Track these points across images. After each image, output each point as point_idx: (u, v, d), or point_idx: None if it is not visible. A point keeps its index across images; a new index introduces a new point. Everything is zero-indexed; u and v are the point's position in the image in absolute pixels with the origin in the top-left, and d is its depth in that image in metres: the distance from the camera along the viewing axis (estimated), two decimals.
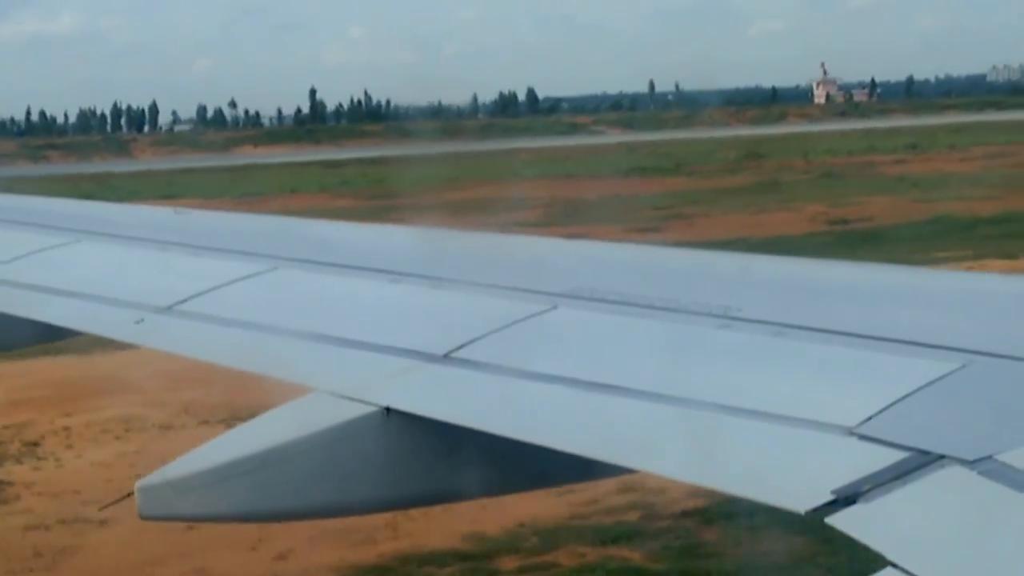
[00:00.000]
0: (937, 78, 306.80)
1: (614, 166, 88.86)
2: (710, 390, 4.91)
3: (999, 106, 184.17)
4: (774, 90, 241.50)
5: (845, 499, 3.88)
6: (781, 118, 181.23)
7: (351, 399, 5.47)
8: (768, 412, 4.61)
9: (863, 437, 4.25)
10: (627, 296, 6.04)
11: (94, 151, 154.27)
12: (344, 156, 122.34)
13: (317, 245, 8.30)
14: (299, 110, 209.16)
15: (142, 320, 7.10)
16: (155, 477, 5.39)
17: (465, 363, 5.65)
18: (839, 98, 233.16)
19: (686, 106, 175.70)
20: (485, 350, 5.72)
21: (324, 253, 7.85)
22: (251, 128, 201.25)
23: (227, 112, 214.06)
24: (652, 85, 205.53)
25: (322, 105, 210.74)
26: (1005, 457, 3.89)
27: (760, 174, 78.01)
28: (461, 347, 5.76)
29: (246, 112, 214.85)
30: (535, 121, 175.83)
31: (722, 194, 64.60)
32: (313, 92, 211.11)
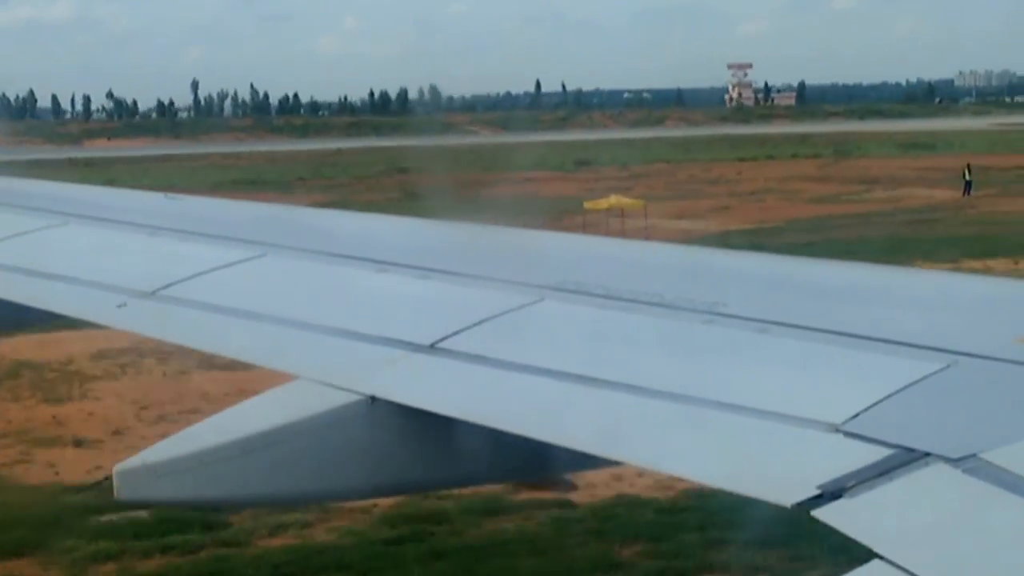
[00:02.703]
0: (908, 82, 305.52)
1: (232, 176, 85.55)
2: (696, 385, 4.90)
3: (883, 114, 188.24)
4: (679, 92, 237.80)
5: (831, 494, 3.91)
6: (659, 122, 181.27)
7: (336, 387, 5.45)
8: (754, 408, 4.62)
9: (849, 434, 4.27)
10: (614, 290, 6.04)
11: None
12: (182, 151, 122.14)
13: (308, 233, 8.26)
14: (170, 102, 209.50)
15: (125, 304, 7.01)
16: (133, 461, 5.35)
17: (451, 353, 5.63)
18: (747, 101, 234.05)
19: (569, 107, 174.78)
20: (471, 341, 5.70)
21: (315, 241, 7.80)
22: (127, 119, 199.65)
23: (105, 103, 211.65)
24: (538, 84, 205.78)
25: (210, 99, 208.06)
26: (989, 455, 3.92)
27: (350, 191, 73.29)
28: (447, 337, 5.74)
29: (133, 103, 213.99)
30: (406, 120, 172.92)
31: None
32: (195, 84, 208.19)
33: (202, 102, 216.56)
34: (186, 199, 10.37)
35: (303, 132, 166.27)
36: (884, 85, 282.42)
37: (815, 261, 7.47)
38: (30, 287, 7.73)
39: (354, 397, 5.38)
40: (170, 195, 10.40)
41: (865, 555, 3.62)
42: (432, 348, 5.71)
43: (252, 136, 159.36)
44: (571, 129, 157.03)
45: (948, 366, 4.67)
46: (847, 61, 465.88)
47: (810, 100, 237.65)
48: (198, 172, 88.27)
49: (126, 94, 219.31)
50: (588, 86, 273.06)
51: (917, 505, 3.89)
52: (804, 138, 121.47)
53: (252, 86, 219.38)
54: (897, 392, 4.52)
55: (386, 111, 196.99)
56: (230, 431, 5.40)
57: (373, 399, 5.37)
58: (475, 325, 5.87)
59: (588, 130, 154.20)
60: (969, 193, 63.82)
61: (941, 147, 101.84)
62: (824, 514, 3.85)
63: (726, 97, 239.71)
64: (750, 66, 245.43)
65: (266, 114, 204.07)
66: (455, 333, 5.79)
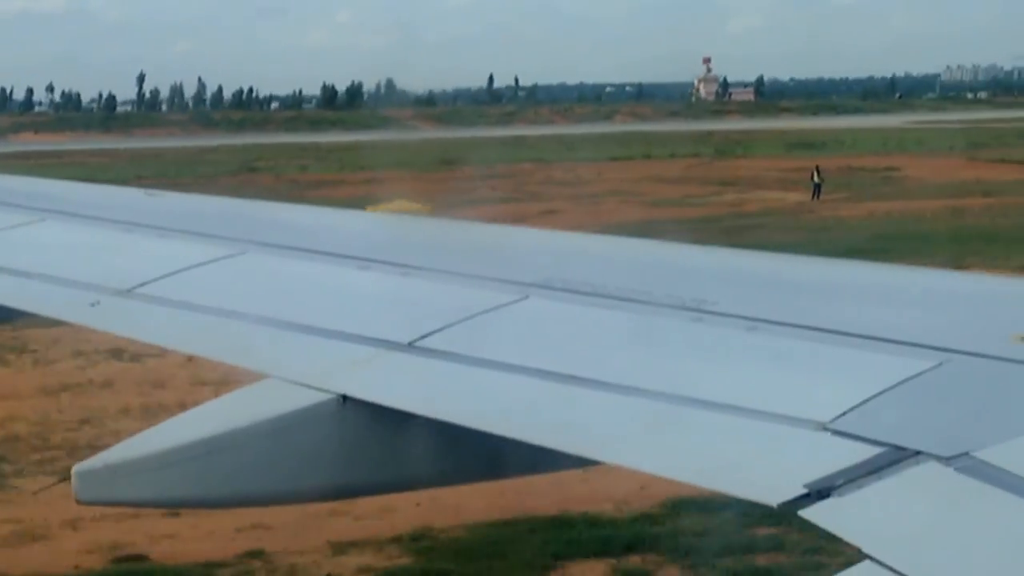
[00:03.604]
0: (895, 76, 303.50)
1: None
2: (682, 383, 4.80)
3: (836, 110, 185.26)
4: (640, 87, 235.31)
5: (818, 493, 3.82)
6: (607, 117, 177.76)
7: (306, 386, 5.35)
8: (741, 406, 4.52)
9: (837, 432, 4.16)
10: (600, 287, 5.94)
11: None
12: (94, 146, 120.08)
13: (288, 230, 8.17)
14: (110, 95, 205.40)
15: (98, 302, 6.90)
16: (94, 461, 5.27)
17: (430, 352, 5.50)
18: (708, 97, 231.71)
19: (519, 103, 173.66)
20: (451, 339, 5.58)
21: (295, 238, 7.72)
22: (71, 112, 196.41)
23: (45, 96, 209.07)
24: (491, 79, 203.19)
25: (156, 93, 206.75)
26: (982, 454, 3.83)
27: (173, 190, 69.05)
28: (426, 336, 5.62)
29: (77, 96, 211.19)
30: (347, 115, 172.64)
31: None
32: (141, 77, 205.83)
33: (146, 95, 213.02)
34: (166, 195, 10.21)
35: (239, 127, 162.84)
36: (845, 81, 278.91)
37: (806, 258, 7.19)
38: (1, 284, 7.62)
39: (325, 396, 5.24)
40: (150, 191, 10.29)
41: (855, 555, 3.52)
42: (411, 347, 5.55)
43: (184, 131, 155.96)
44: (517, 124, 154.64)
45: (941, 364, 4.53)
46: (835, 56, 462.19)
47: (771, 96, 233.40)
48: (71, 168, 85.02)
49: (116, 88, 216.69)
50: (573, 80, 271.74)
51: (908, 504, 3.77)
52: (706, 136, 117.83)
53: (200, 79, 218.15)
54: (888, 390, 4.38)
55: (335, 105, 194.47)
56: (195, 430, 5.28)
57: (345, 398, 5.23)
58: (457, 323, 5.73)
59: (530, 126, 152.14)
60: (818, 196, 61.49)
61: (832, 147, 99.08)
62: (811, 513, 3.74)
63: (691, 92, 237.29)
64: (709, 60, 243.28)
65: (217, 108, 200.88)
66: (436, 331, 5.64)
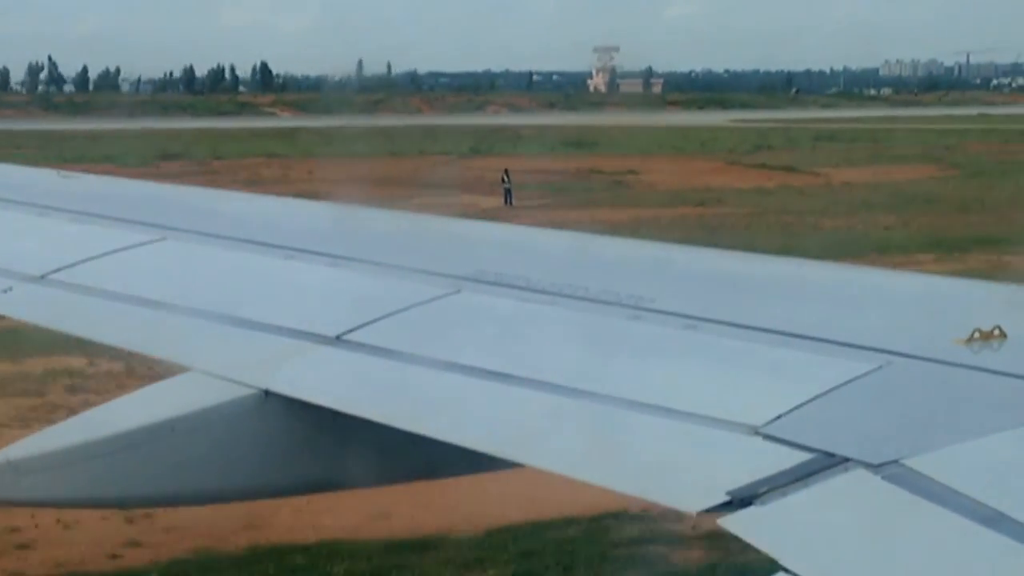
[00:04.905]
0: (832, 70, 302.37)
1: None
2: (614, 383, 4.69)
3: (724, 105, 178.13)
4: (531, 75, 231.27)
5: (741, 501, 3.73)
6: (481, 107, 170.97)
7: (227, 379, 5.20)
8: (672, 408, 4.41)
9: (768, 437, 4.07)
10: (535, 282, 5.81)
11: None
12: None
13: (212, 216, 7.94)
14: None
15: (10, 289, 6.71)
16: None
17: (357, 346, 5.34)
18: (601, 87, 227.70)
19: (387, 89, 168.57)
20: (380, 333, 5.43)
21: (219, 225, 7.49)
22: None
23: None
24: (361, 65, 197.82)
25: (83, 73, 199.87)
26: (911, 462, 3.76)
27: None
28: (354, 329, 5.45)
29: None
30: (200, 100, 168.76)
31: None
32: (85, 68, 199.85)
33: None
34: (82, 177, 10.06)
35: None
36: (781, 73, 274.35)
37: (750, 255, 7.02)
38: None
39: (246, 391, 5.09)
40: (64, 173, 10.00)
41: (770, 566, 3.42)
42: (338, 340, 5.37)
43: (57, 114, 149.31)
44: (379, 114, 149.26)
45: (881, 366, 4.44)
46: (776, 48, 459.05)
47: (675, 87, 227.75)
48: None
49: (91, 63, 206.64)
50: (498, 67, 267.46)
51: (830, 513, 3.68)
52: (498, 130, 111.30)
53: (119, 68, 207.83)
54: (825, 393, 4.28)
55: (193, 89, 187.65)
56: (108, 426, 5.11)
57: (267, 393, 5.08)
58: (387, 316, 5.57)
59: (390, 115, 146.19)
60: (510, 202, 57.42)
61: (596, 146, 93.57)
62: (730, 522, 3.64)
63: (589, 82, 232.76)
64: (617, 49, 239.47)
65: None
66: (364, 325, 5.47)
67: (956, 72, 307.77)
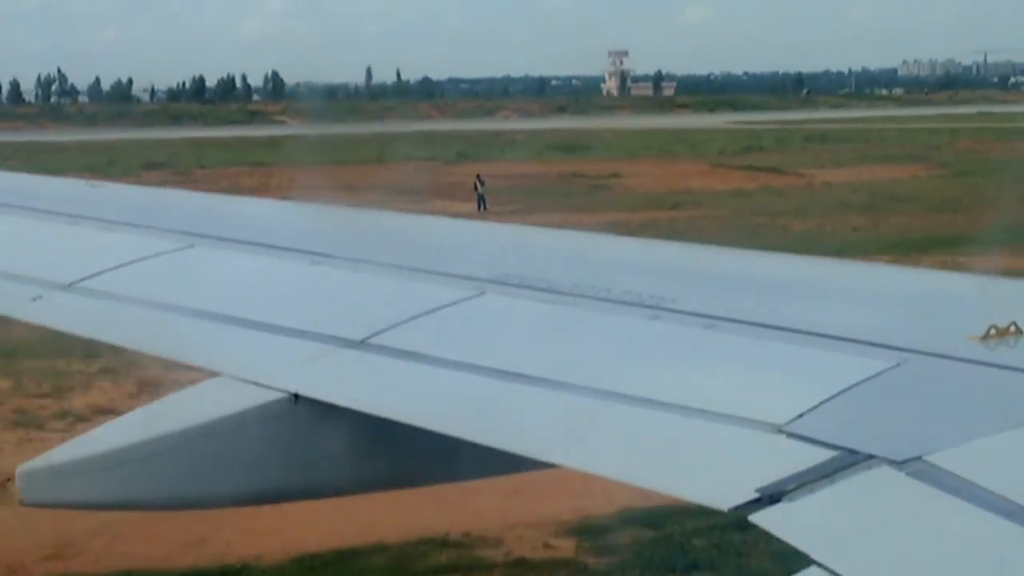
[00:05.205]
0: (851, 71, 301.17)
1: None
2: (638, 383, 4.76)
3: (735, 107, 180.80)
4: (545, 80, 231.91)
5: (770, 497, 3.78)
6: (491, 112, 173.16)
7: (256, 384, 5.27)
8: (696, 407, 4.47)
9: (792, 435, 4.13)
10: (558, 284, 5.88)
11: None
12: None
13: (239, 223, 8.04)
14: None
15: (40, 297, 6.77)
16: (38, 461, 5.22)
17: (383, 350, 5.41)
18: (614, 91, 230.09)
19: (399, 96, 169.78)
20: (405, 336, 5.50)
21: (246, 232, 7.57)
22: None
23: None
24: (369, 72, 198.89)
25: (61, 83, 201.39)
26: (934, 458, 3.81)
27: None
28: (380, 333, 5.53)
29: None
30: (210, 109, 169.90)
31: None
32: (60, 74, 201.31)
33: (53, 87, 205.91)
34: (110, 187, 10.12)
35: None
36: (771, 75, 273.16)
37: (769, 255, 7.10)
38: None
39: (275, 395, 5.15)
40: (92, 182, 10.10)
41: (804, 561, 3.47)
42: (363, 344, 5.46)
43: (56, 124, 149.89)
44: (389, 120, 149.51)
45: (898, 364, 4.51)
46: (794, 50, 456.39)
47: (687, 90, 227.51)
48: None
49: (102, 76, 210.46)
50: (517, 72, 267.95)
51: (857, 509, 3.74)
52: (497, 135, 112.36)
53: (98, 79, 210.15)
54: (844, 391, 4.35)
55: (203, 99, 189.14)
56: (142, 430, 5.19)
57: (296, 397, 5.15)
58: (412, 320, 5.64)
59: (398, 121, 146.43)
60: (484, 207, 56.71)
61: (584, 149, 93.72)
62: (761, 518, 3.70)
63: (603, 86, 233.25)
64: (626, 53, 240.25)
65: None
66: (389, 328, 5.54)
67: (974, 71, 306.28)
